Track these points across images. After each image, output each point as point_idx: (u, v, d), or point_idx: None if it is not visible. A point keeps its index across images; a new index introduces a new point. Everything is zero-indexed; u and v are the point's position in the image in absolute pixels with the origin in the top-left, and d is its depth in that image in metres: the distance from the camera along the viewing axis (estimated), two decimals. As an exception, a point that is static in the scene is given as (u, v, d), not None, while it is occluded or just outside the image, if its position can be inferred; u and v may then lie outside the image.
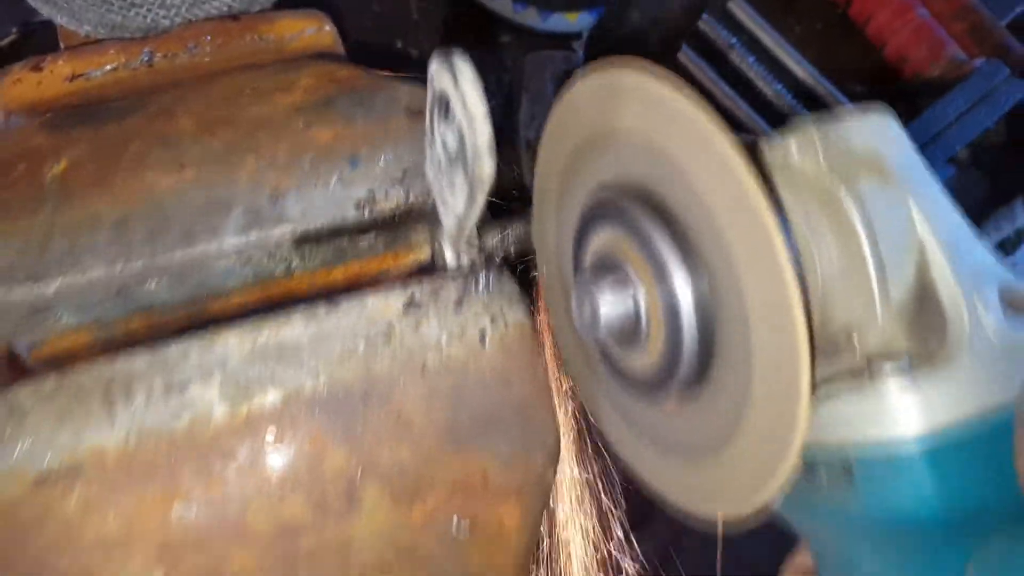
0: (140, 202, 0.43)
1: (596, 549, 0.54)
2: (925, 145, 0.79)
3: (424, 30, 0.79)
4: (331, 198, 0.46)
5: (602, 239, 0.39)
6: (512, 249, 0.51)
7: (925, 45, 0.94)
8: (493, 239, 0.50)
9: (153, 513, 0.40)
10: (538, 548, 0.53)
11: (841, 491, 0.36)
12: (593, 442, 0.54)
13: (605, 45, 0.81)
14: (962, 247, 0.35)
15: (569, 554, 0.54)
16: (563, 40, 0.83)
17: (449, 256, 0.48)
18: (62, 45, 0.56)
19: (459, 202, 0.41)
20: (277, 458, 0.41)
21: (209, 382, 0.41)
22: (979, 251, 0.36)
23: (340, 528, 0.42)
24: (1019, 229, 0.75)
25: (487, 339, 0.45)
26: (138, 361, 0.40)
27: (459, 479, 0.44)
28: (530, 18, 0.84)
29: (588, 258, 0.41)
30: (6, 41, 0.68)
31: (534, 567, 0.52)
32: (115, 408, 0.39)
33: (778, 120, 0.79)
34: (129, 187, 0.44)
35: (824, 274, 0.35)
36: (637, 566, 0.57)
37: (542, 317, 0.50)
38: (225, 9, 0.55)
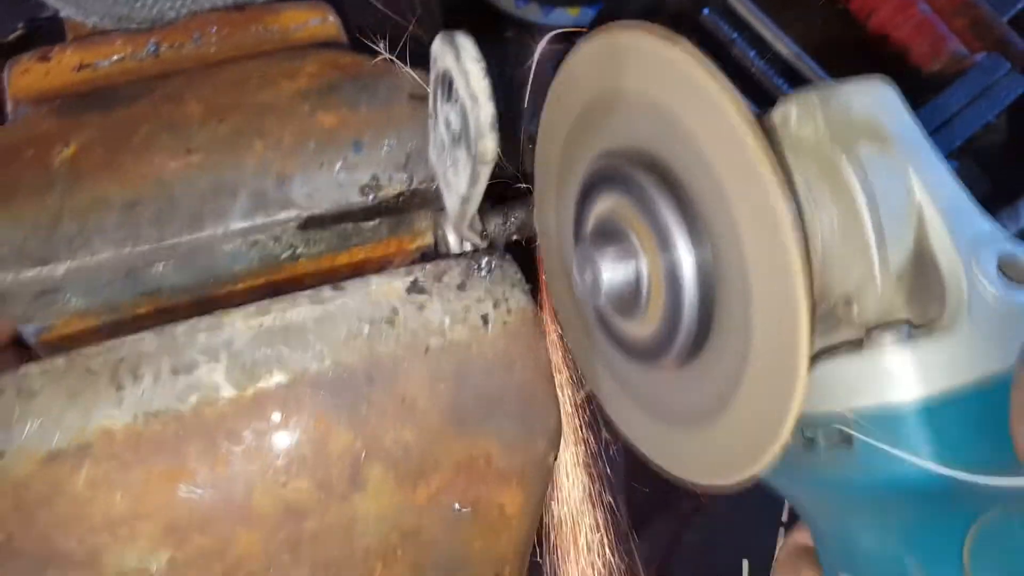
0: (148, 186, 0.44)
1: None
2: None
3: (426, 23, 0.79)
4: (336, 183, 0.46)
5: (605, 205, 0.39)
6: (514, 234, 0.51)
7: (926, 40, 0.94)
8: (496, 224, 0.50)
9: (160, 493, 0.40)
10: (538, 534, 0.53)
11: (840, 459, 0.36)
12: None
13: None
14: (961, 215, 0.36)
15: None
16: (565, 34, 0.84)
17: (452, 241, 0.49)
18: (69, 37, 0.57)
19: (462, 182, 0.41)
20: (282, 439, 0.41)
21: (216, 364, 0.41)
22: (978, 219, 0.36)
23: (344, 509, 0.43)
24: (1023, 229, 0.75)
25: (490, 322, 0.45)
26: (146, 343, 0.41)
27: (462, 460, 0.44)
28: (532, 13, 0.85)
29: (590, 224, 0.41)
30: (13, 37, 0.69)
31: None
32: (123, 389, 0.40)
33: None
34: (137, 171, 0.44)
35: (824, 241, 0.36)
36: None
37: (544, 298, 0.51)
38: (230, 0, 0.56)
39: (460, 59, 0.37)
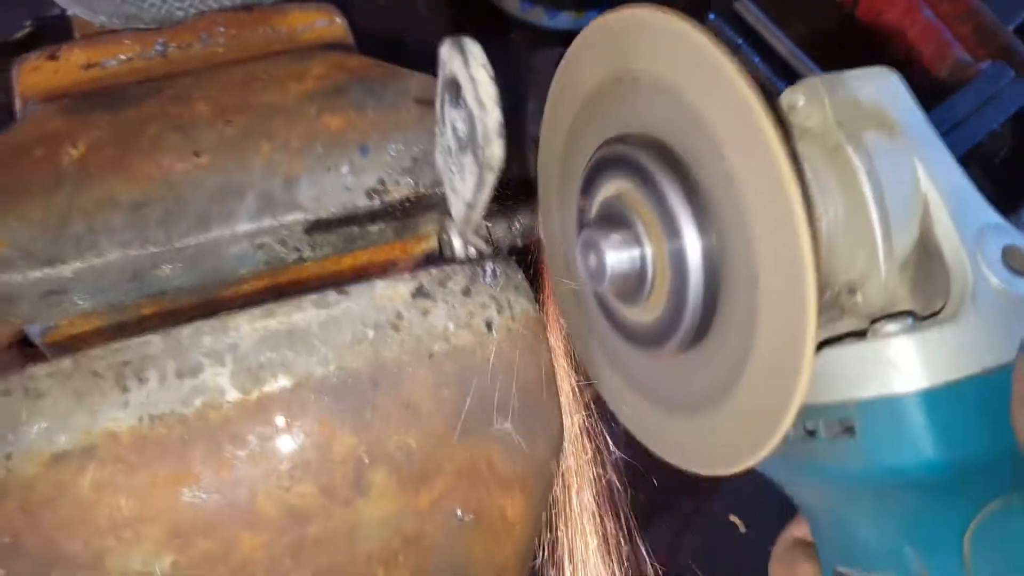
0: (156, 186, 0.44)
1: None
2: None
3: (431, 27, 0.79)
4: (342, 186, 0.46)
5: (611, 189, 0.38)
6: (519, 240, 0.51)
7: (931, 46, 0.94)
8: (501, 230, 0.50)
9: (164, 496, 0.40)
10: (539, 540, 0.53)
11: (841, 450, 0.35)
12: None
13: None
14: (966, 205, 0.35)
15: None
16: (570, 38, 0.84)
17: (457, 245, 0.49)
18: (77, 36, 0.57)
19: (468, 188, 0.41)
20: (287, 444, 0.42)
21: (221, 367, 0.41)
22: (983, 210, 0.36)
23: (347, 514, 0.43)
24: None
25: (494, 328, 0.45)
26: (152, 345, 0.41)
27: (465, 466, 0.44)
28: (537, 16, 0.85)
29: (595, 208, 0.40)
30: (21, 34, 0.69)
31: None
32: (128, 391, 0.40)
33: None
34: (145, 171, 0.44)
35: (829, 229, 0.35)
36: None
37: (548, 303, 0.51)
38: (238, 0, 0.56)
39: (468, 65, 0.37)
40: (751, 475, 0.40)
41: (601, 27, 0.39)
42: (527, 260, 0.51)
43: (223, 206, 0.44)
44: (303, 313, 0.43)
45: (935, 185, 0.35)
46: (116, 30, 0.55)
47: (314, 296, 0.43)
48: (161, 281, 0.45)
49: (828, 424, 0.36)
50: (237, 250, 0.45)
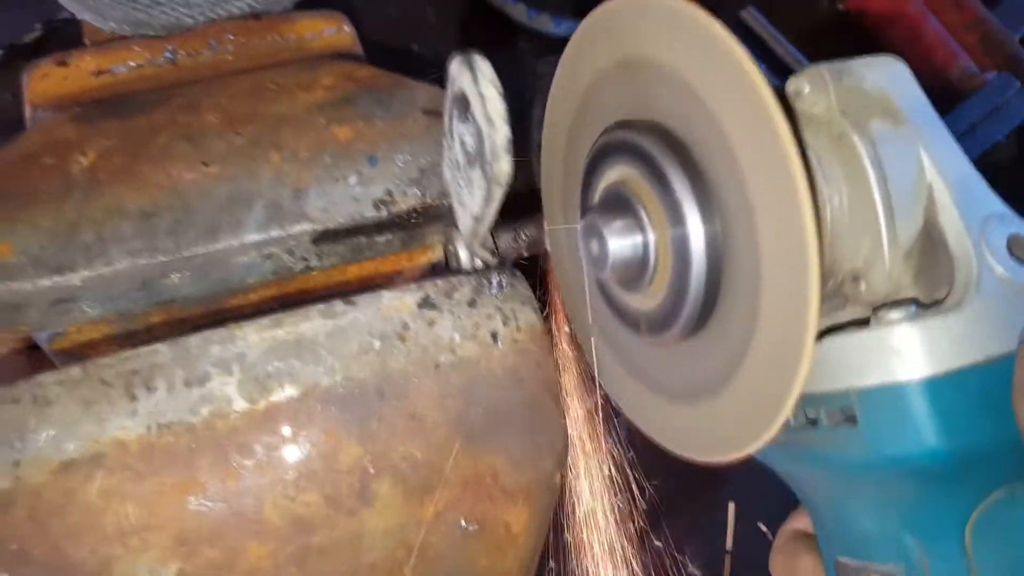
0: (165, 196, 0.44)
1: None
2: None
3: (439, 34, 0.80)
4: (351, 196, 0.46)
5: (615, 175, 0.38)
6: (525, 251, 0.51)
7: (937, 56, 0.94)
8: (506, 241, 0.50)
9: (171, 505, 0.40)
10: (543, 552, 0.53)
11: (843, 438, 0.35)
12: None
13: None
14: (972, 194, 0.35)
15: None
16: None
17: (463, 257, 0.49)
18: (86, 42, 0.57)
19: (476, 202, 0.41)
20: (293, 453, 0.42)
21: (228, 376, 0.41)
22: (988, 199, 0.35)
23: (352, 524, 0.43)
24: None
25: (499, 340, 0.45)
26: (160, 354, 0.41)
27: (469, 476, 0.45)
28: (543, 23, 0.85)
29: (598, 193, 0.40)
30: (30, 37, 0.69)
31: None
32: (137, 400, 0.40)
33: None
34: (155, 180, 0.44)
35: (833, 217, 0.35)
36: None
37: (553, 315, 0.51)
38: (247, 8, 0.56)
39: (477, 82, 0.37)
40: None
41: (599, 17, 0.38)
42: (533, 271, 0.51)
43: (232, 216, 0.45)
44: (310, 323, 0.43)
45: (940, 173, 0.35)
46: (126, 36, 0.55)
47: (321, 306, 0.43)
48: (169, 289, 0.45)
49: (830, 412, 0.36)
50: (245, 259, 0.45)
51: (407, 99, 0.50)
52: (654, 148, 0.35)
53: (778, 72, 0.82)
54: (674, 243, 0.35)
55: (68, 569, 0.39)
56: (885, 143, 0.35)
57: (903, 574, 0.36)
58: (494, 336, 0.45)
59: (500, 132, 0.37)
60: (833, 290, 0.37)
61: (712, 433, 0.37)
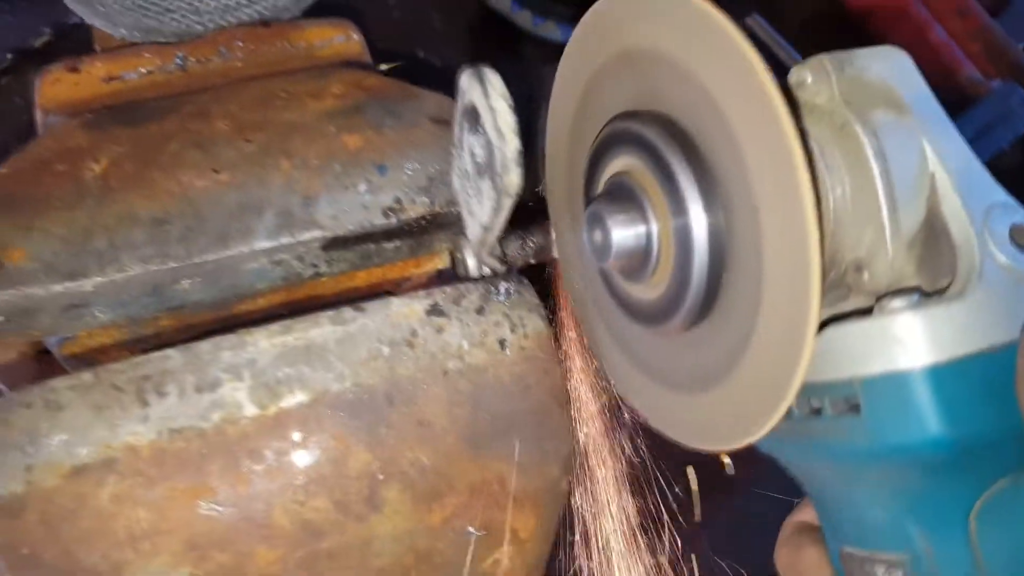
0: (177, 203, 0.45)
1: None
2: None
3: (445, 41, 0.80)
4: (360, 204, 0.47)
5: (619, 165, 0.38)
6: (532, 258, 0.52)
7: (942, 64, 0.94)
8: (514, 248, 0.50)
9: (182, 510, 0.41)
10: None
11: (847, 427, 0.35)
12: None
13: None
14: (974, 183, 0.35)
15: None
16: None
17: (471, 264, 0.49)
18: (97, 48, 0.57)
19: (485, 212, 0.42)
20: (302, 458, 0.42)
21: (239, 382, 0.42)
22: (991, 188, 0.35)
23: (361, 530, 0.43)
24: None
25: (507, 347, 0.46)
26: (172, 359, 0.41)
27: (477, 483, 0.45)
28: (548, 30, 0.86)
29: (601, 184, 0.40)
30: (40, 42, 0.70)
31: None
32: (148, 405, 0.41)
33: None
34: (166, 188, 0.45)
35: (835, 206, 0.35)
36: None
37: (561, 322, 0.51)
38: (256, 16, 0.57)
39: (488, 95, 0.37)
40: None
41: (599, 12, 0.38)
42: (540, 278, 0.51)
43: (242, 223, 0.45)
44: (320, 329, 0.43)
45: (943, 163, 0.35)
46: (136, 43, 0.55)
47: (331, 312, 0.44)
48: (180, 295, 0.45)
49: (833, 402, 0.36)
50: (255, 266, 0.46)
51: (416, 108, 0.51)
52: (657, 138, 0.35)
53: (783, 78, 0.83)
54: (677, 233, 0.35)
55: (79, 573, 0.39)
56: (888, 133, 0.35)
57: (908, 563, 0.36)
58: (502, 343, 0.46)
59: (510, 145, 0.37)
60: (836, 280, 0.37)
61: (715, 422, 0.37)
